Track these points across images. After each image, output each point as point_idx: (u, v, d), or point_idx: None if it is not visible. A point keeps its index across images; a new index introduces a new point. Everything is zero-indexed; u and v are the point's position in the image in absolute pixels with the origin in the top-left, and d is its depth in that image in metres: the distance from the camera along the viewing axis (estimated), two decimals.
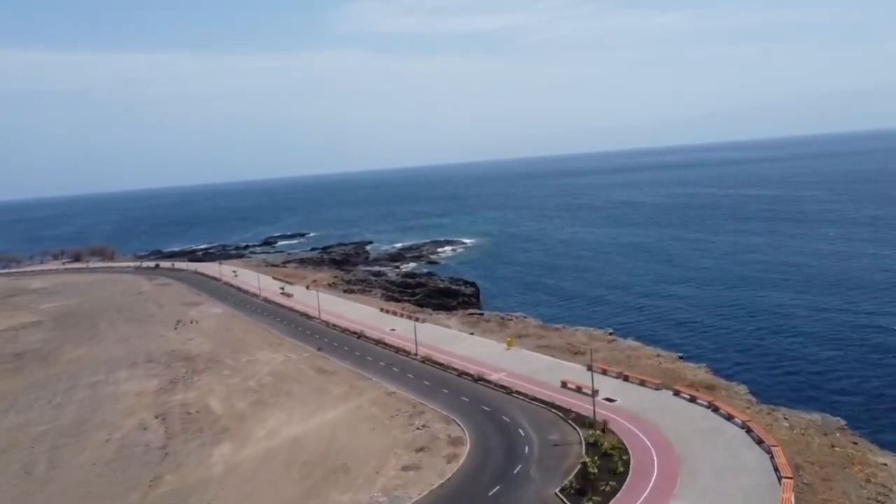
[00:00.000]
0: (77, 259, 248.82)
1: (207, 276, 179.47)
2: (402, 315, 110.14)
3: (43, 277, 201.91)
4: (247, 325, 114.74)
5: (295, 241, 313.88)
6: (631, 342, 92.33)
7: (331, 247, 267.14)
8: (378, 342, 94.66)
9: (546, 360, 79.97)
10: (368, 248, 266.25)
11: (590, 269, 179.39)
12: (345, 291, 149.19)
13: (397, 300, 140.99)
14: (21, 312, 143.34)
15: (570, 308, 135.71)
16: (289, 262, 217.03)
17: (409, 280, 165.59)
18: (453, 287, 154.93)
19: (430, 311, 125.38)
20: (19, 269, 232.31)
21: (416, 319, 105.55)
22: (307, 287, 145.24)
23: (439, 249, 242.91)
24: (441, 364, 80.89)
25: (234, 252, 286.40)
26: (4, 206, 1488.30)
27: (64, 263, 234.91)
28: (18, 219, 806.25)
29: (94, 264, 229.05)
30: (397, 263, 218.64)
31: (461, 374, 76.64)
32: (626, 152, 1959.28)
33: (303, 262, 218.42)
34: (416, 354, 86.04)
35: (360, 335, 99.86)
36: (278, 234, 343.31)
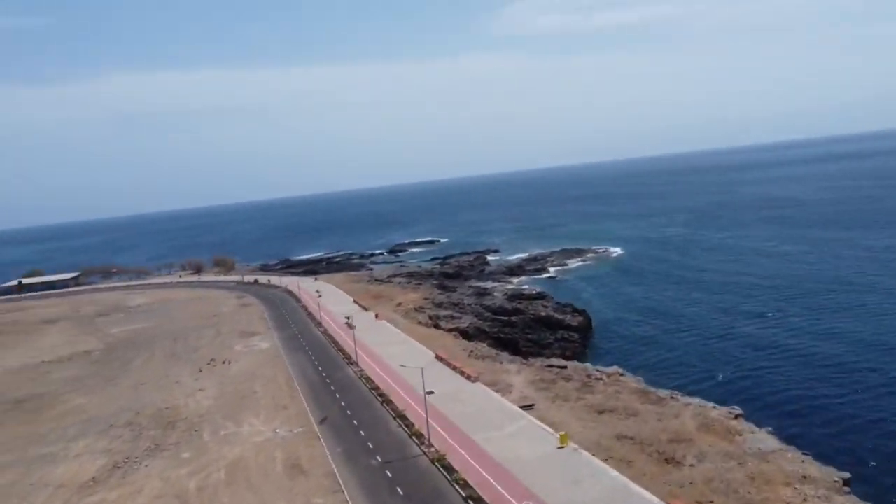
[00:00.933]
0: (198, 271, 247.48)
1: (294, 295, 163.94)
2: (456, 369, 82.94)
3: (150, 293, 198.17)
4: (277, 370, 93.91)
5: (422, 250, 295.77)
6: (764, 436, 58.49)
7: (451, 257, 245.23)
8: (399, 415, 68.54)
9: (605, 484, 49.11)
10: (491, 257, 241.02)
11: (736, 291, 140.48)
12: (427, 319, 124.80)
13: (476, 336, 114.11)
14: (88, 337, 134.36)
15: (695, 356, 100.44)
16: (396, 275, 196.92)
17: (509, 305, 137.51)
18: (557, 316, 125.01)
19: (506, 355, 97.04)
20: (141, 282, 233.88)
21: (468, 377, 78.25)
22: (376, 316, 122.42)
23: (568, 261, 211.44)
24: (453, 470, 53.21)
25: (356, 261, 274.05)
26: (185, 214, 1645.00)
27: (181, 276, 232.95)
28: (188, 225, 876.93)
29: (205, 278, 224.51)
30: (512, 278, 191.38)
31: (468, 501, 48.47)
32: (786, 143, 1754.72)
33: (411, 276, 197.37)
34: (429, 446, 59.01)
35: (385, 399, 74.36)
36: (408, 242, 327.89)
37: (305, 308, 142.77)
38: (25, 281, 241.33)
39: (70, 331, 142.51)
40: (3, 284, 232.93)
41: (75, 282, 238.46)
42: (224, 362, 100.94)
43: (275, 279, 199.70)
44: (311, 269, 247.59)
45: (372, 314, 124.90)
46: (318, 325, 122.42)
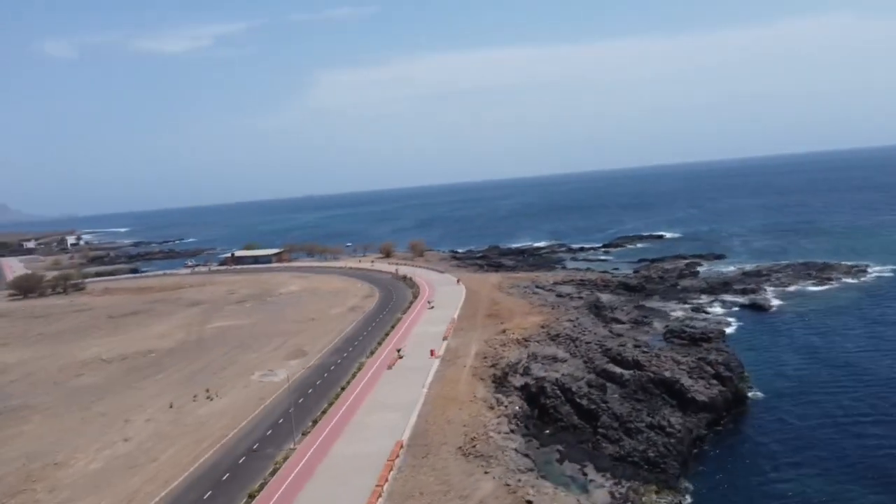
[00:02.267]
0: (387, 255, 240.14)
1: (405, 305, 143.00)
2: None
3: (313, 278, 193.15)
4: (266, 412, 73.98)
5: (641, 246, 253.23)
6: None
7: (660, 260, 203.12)
8: None
9: None
10: (707, 265, 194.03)
11: None
12: (493, 373, 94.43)
13: (547, 408, 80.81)
14: (182, 332, 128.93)
15: None
16: (563, 283, 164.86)
17: (645, 352, 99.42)
18: (686, 381, 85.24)
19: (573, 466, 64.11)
20: (322, 264, 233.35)
21: None
22: (431, 353, 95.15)
23: (801, 281, 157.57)
24: None
25: (557, 255, 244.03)
26: (470, 187, 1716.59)
27: (359, 261, 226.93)
28: (461, 199, 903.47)
29: (380, 265, 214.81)
30: (708, 298, 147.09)
31: None
32: None
33: (581, 284, 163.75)
34: None
35: None
36: (632, 235, 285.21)
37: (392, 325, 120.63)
38: (238, 253, 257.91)
39: (186, 320, 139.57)
40: (222, 255, 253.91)
41: (278, 258, 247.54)
42: (209, 398, 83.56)
43: (422, 273, 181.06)
44: (496, 262, 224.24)
45: (440, 349, 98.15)
46: (374, 358, 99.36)
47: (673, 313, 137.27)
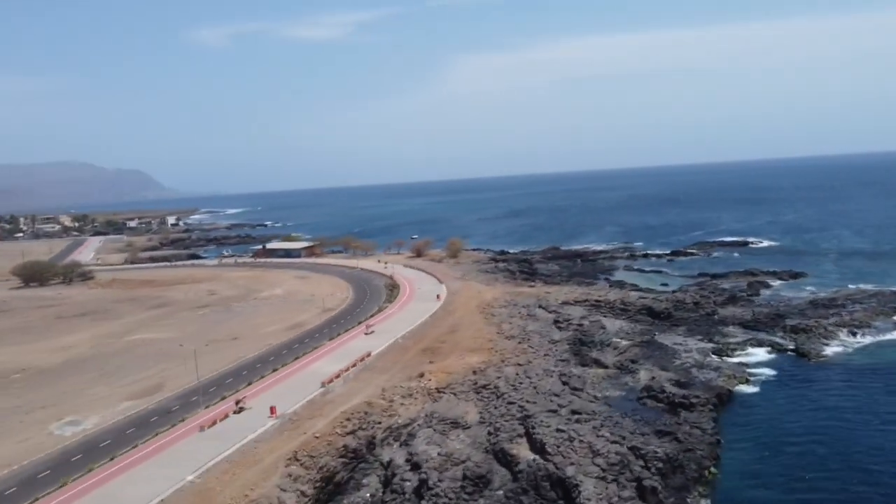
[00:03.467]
0: (418, 255, 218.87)
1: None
2: None
3: (314, 279, 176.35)
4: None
5: (717, 255, 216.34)
6: None
7: (720, 276, 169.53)
8: None
9: None
10: (771, 288, 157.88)
11: None
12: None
13: None
14: (85, 346, 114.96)
15: None
16: (577, 302, 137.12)
17: (561, 431, 72.16)
18: (584, 494, 58.28)
19: None
20: (340, 262, 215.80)
21: None
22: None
23: (882, 321, 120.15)
24: None
25: (617, 261, 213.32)
26: (585, 176, 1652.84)
27: (379, 260, 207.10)
28: (565, 189, 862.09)
29: (391, 268, 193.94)
30: (741, 337, 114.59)
31: None
32: None
33: (595, 306, 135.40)
34: None
35: None
36: (713, 241, 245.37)
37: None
38: (269, 245, 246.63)
39: (117, 328, 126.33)
40: (254, 246, 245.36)
41: (309, 251, 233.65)
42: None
43: (420, 282, 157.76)
44: (533, 269, 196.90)
45: (300, 403, 76.13)
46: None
47: (686, 354, 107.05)
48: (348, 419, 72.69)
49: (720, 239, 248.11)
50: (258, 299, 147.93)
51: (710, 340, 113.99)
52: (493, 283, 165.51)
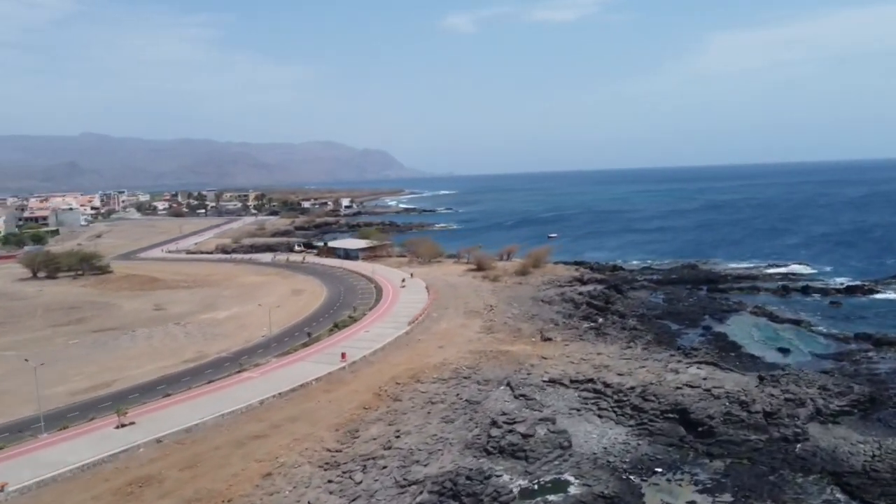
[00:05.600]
0: (479, 268, 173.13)
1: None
2: None
3: (306, 291, 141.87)
4: None
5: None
6: None
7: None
8: None
9: None
10: None
11: None
12: None
13: None
14: None
15: None
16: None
17: None
18: None
19: None
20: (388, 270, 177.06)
21: None
22: None
23: None
24: None
25: (755, 294, 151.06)
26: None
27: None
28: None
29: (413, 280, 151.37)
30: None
31: None
32: None
33: (684, 421, 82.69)
34: None
35: None
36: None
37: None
38: (332, 244, 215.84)
39: None
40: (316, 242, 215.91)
41: (371, 252, 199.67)
42: None
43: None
44: (603, 303, 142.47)
45: None
46: None
47: None
48: None
49: None
50: (190, 323, 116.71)
51: None
52: (518, 324, 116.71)
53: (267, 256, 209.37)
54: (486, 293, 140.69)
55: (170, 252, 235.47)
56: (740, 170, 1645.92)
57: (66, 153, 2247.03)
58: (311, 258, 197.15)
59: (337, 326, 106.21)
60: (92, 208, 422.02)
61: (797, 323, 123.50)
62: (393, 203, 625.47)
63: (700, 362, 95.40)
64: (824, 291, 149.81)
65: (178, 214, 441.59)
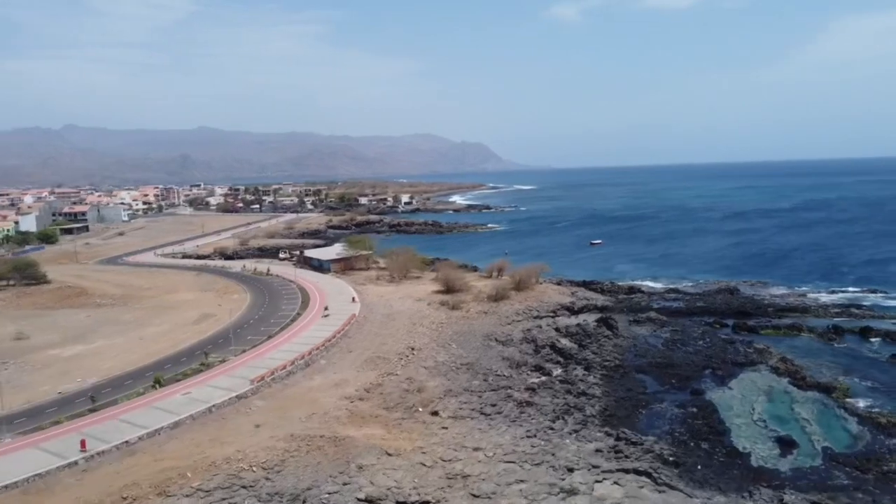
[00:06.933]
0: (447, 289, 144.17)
1: None
2: None
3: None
4: None
5: None
6: None
7: None
8: None
9: None
10: None
11: None
12: None
13: None
14: None
15: None
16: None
17: None
18: None
19: None
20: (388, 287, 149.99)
21: None
22: None
23: None
24: None
25: (794, 337, 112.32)
26: None
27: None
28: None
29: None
30: None
31: None
32: None
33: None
34: None
35: None
36: None
37: None
38: (307, 253, 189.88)
39: None
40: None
41: (344, 265, 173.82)
42: None
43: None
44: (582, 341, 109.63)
45: None
46: None
47: None
48: None
49: None
50: (16, 363, 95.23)
51: None
52: (428, 380, 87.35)
53: (264, 262, 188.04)
54: (426, 328, 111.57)
55: (164, 256, 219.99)
56: (873, 163, 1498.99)
57: (182, 146, 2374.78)
58: (281, 268, 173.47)
59: (159, 383, 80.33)
60: (144, 203, 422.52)
61: (829, 391, 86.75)
62: (456, 199, 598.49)
63: (630, 470, 63.29)
64: (893, 337, 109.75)
65: (227, 210, 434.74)
